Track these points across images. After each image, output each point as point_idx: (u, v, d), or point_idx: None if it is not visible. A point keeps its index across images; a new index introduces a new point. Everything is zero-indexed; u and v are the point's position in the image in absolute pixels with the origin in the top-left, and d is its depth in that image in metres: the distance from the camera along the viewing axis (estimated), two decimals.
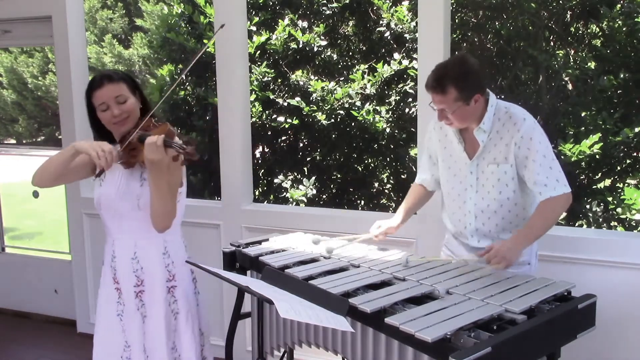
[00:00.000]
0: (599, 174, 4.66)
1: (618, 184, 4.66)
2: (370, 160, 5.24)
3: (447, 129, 2.31)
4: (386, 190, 5.31)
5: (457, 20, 4.95)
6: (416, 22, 3.49)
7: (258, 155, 5.33)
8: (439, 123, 2.31)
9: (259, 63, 4.92)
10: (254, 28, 4.96)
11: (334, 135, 5.01)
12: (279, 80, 5.06)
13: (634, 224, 4.22)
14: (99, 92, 2.08)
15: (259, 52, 4.95)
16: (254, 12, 5.05)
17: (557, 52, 4.74)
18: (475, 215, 2.28)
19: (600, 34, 4.75)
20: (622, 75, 4.30)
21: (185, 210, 2.29)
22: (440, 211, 2.51)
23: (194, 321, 2.27)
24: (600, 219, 4.43)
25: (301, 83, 4.89)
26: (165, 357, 2.16)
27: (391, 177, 5.28)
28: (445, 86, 2.09)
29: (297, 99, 4.80)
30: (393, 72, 4.74)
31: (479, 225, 2.28)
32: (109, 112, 2.08)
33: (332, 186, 5.33)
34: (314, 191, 4.90)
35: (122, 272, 2.18)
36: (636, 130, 4.15)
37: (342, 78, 5.04)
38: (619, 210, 4.27)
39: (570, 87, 4.78)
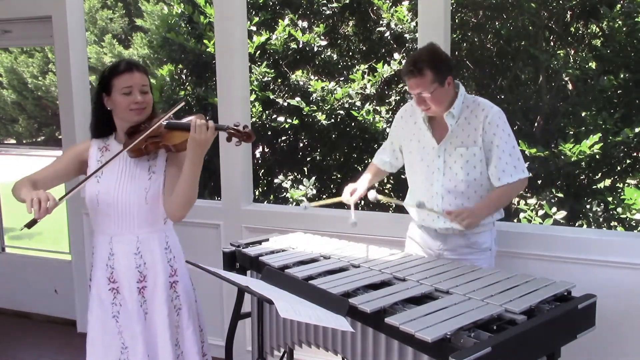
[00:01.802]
0: (599, 174, 4.66)
1: (618, 184, 4.66)
2: (370, 160, 5.23)
3: (418, 117, 2.47)
4: (386, 190, 5.31)
5: (457, 20, 4.95)
6: (416, 22, 3.49)
7: (258, 155, 5.33)
8: (409, 113, 2.53)
9: (259, 63, 4.92)
10: (254, 28, 4.96)
11: (334, 135, 5.01)
12: (279, 80, 5.06)
13: (634, 224, 4.23)
14: (128, 76, 2.09)
15: (259, 52, 4.95)
16: (254, 12, 5.05)
17: (557, 52, 4.74)
18: (443, 196, 2.41)
19: (600, 34, 4.75)
20: (622, 75, 4.30)
21: None
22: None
23: (195, 317, 2.27)
24: (600, 219, 4.43)
25: (301, 83, 4.89)
26: (169, 353, 2.15)
27: (391, 177, 5.28)
28: (422, 69, 2.27)
29: (297, 99, 4.81)
30: (393, 72, 4.74)
31: (445, 206, 2.40)
32: (131, 97, 2.09)
33: (332, 186, 5.33)
34: (314, 191, 4.90)
35: (122, 270, 2.15)
36: (636, 130, 4.15)
37: (342, 78, 5.04)
38: (619, 210, 4.27)
39: (570, 87, 4.78)
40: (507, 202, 2.41)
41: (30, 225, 1.94)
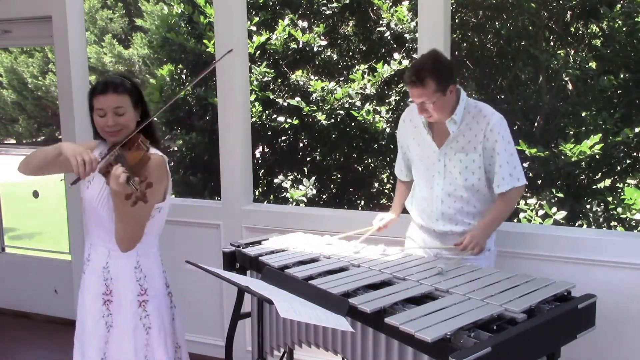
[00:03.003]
0: (599, 174, 4.66)
1: (618, 184, 4.66)
2: (370, 160, 5.24)
3: (417, 122, 2.48)
4: (386, 190, 5.30)
5: (457, 20, 4.95)
6: (416, 22, 3.49)
7: (258, 155, 5.33)
8: (408, 116, 2.54)
9: (259, 63, 4.92)
10: (254, 28, 4.96)
11: (334, 135, 5.01)
12: (279, 80, 5.06)
13: (634, 224, 4.23)
14: (101, 98, 2.06)
15: (259, 52, 4.95)
16: (254, 12, 5.05)
17: (557, 52, 4.74)
18: (442, 199, 2.43)
19: (600, 34, 4.75)
20: (622, 75, 4.30)
21: (184, 211, 2.27)
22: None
23: (167, 335, 2.22)
24: (600, 219, 4.43)
25: (301, 83, 4.89)
26: None
27: (391, 177, 5.28)
28: (424, 79, 2.25)
29: (297, 99, 4.80)
30: (393, 72, 4.74)
31: (445, 209, 2.43)
32: (103, 120, 2.07)
33: (332, 186, 5.33)
34: (314, 191, 4.90)
35: (91, 278, 2.17)
36: (636, 130, 4.15)
37: (342, 78, 5.04)
38: (619, 210, 4.27)
39: (570, 87, 4.78)
40: (509, 212, 2.43)
41: (75, 182, 1.99)
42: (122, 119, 2.08)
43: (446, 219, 2.44)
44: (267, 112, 4.98)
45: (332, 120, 4.81)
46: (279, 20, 4.97)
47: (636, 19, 4.18)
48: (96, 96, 2.08)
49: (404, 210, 2.72)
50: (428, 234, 2.52)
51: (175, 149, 5.50)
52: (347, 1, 5.00)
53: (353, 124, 4.87)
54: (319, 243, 2.57)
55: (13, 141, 15.01)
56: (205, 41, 4.97)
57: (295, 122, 4.87)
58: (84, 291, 2.20)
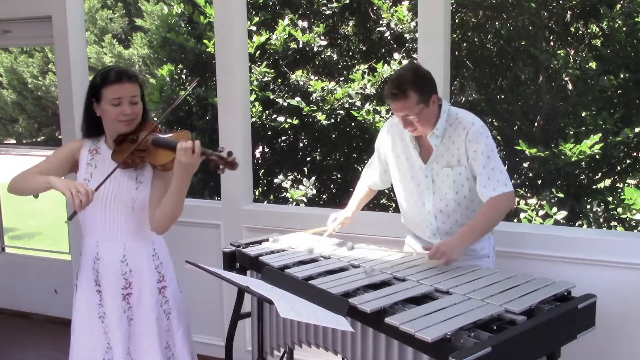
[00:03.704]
0: (599, 174, 4.66)
1: (618, 184, 4.66)
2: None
3: (405, 135, 2.41)
4: (386, 190, 5.30)
5: (457, 20, 4.95)
6: (416, 22, 3.49)
7: (258, 155, 5.33)
8: (394, 129, 2.46)
9: (259, 63, 4.92)
10: (254, 28, 4.96)
11: (334, 135, 5.01)
12: (279, 80, 5.06)
13: (634, 224, 4.23)
14: (117, 87, 2.06)
15: (259, 52, 4.95)
16: (254, 12, 5.05)
17: (557, 52, 4.74)
18: (435, 215, 2.39)
19: (600, 34, 4.75)
20: (622, 75, 4.30)
21: (184, 210, 2.27)
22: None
23: (184, 319, 2.28)
24: (601, 219, 4.43)
25: (301, 83, 4.89)
26: (158, 356, 2.15)
27: None
28: (406, 90, 2.20)
29: (297, 99, 4.80)
30: (393, 72, 4.73)
31: (439, 225, 2.39)
32: (119, 109, 2.07)
33: (332, 186, 5.33)
34: (314, 191, 4.90)
35: (107, 275, 2.15)
36: (636, 130, 4.15)
37: (342, 78, 5.04)
38: (619, 210, 4.27)
39: (570, 87, 4.78)
40: (496, 222, 2.27)
41: (72, 217, 2.02)
42: (137, 107, 2.12)
43: (442, 234, 2.40)
44: (267, 112, 4.98)
45: (332, 120, 4.81)
46: (279, 20, 4.97)
47: (636, 19, 4.18)
48: (109, 85, 2.07)
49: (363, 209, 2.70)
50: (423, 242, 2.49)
51: None
52: (347, 1, 5.00)
53: (353, 124, 4.87)
54: (318, 243, 2.57)
55: (13, 141, 15.02)
56: (205, 41, 4.97)
57: (295, 122, 4.87)
58: (104, 288, 2.17)
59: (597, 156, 4.18)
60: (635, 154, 4.60)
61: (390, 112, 4.73)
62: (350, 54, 5.34)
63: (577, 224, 4.44)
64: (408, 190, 2.46)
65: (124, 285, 2.15)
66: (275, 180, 5.07)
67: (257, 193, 5.09)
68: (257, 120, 4.92)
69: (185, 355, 2.24)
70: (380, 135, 2.56)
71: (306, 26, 5.04)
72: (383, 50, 5.06)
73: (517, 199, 4.83)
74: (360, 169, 5.21)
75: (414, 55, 4.55)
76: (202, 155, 1.97)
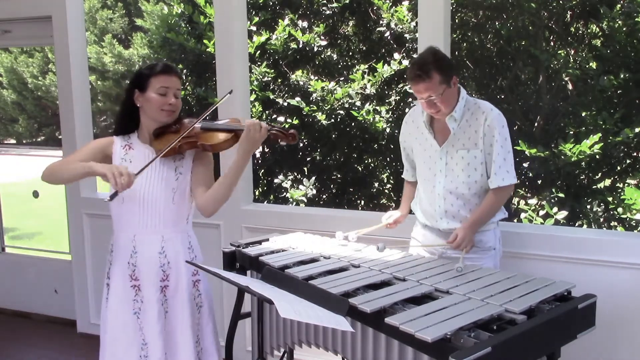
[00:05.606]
0: (599, 174, 4.66)
1: (618, 184, 4.66)
2: (370, 160, 5.24)
3: (419, 122, 2.51)
4: (386, 190, 5.31)
5: (457, 20, 4.95)
6: (416, 22, 3.49)
7: (258, 155, 5.33)
8: (411, 118, 2.58)
9: (259, 63, 4.92)
10: (254, 28, 4.96)
11: (334, 135, 5.01)
12: (279, 80, 5.06)
13: (634, 224, 4.23)
14: (166, 77, 2.15)
15: (259, 52, 4.95)
16: (254, 12, 5.05)
17: (557, 52, 4.74)
18: (444, 197, 2.45)
19: (600, 34, 4.75)
20: (622, 75, 4.30)
21: None
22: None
23: (213, 313, 2.32)
24: (601, 219, 4.43)
25: (301, 83, 4.89)
26: (191, 351, 2.18)
27: (391, 177, 5.29)
28: (429, 71, 2.28)
29: (297, 99, 4.80)
30: (393, 72, 4.74)
31: (447, 207, 2.45)
32: (164, 98, 2.15)
33: (332, 186, 5.33)
34: (314, 191, 4.90)
35: (145, 268, 2.17)
36: (636, 130, 4.15)
37: (342, 78, 5.04)
38: (619, 210, 4.27)
39: (570, 87, 4.78)
40: (498, 209, 2.43)
41: (113, 197, 2.03)
42: (179, 101, 2.20)
43: (449, 217, 2.45)
44: (267, 112, 4.98)
45: (332, 120, 4.81)
46: (279, 20, 4.97)
47: (636, 19, 4.18)
48: (158, 75, 2.15)
49: (411, 211, 2.72)
50: (432, 232, 2.53)
51: None
52: (347, 1, 5.00)
53: (353, 124, 4.87)
54: (319, 243, 2.57)
55: (13, 141, 15.01)
56: (205, 41, 4.97)
57: (295, 122, 4.87)
58: (143, 282, 2.17)
59: (597, 156, 4.18)
60: (635, 154, 4.60)
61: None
62: (350, 54, 5.35)
63: (577, 224, 4.44)
64: (422, 174, 2.54)
65: (161, 277, 2.18)
66: (276, 180, 5.07)
67: (257, 193, 5.09)
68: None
69: (213, 350, 2.28)
70: (402, 127, 2.66)
71: (306, 26, 5.04)
72: (383, 50, 5.07)
73: (517, 199, 4.83)
74: (360, 169, 5.22)
75: (414, 55, 4.55)
76: (268, 131, 2.09)
